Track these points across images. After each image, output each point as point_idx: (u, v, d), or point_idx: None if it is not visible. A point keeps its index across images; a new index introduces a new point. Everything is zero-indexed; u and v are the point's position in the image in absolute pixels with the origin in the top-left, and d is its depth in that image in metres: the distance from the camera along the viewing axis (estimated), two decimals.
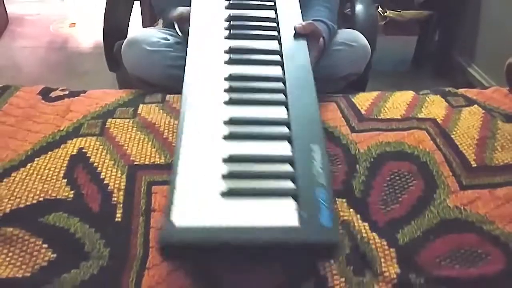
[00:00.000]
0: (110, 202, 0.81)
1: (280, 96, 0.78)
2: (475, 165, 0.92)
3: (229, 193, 0.61)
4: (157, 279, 0.70)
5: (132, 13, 1.49)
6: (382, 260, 0.74)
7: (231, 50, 0.87)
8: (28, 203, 0.80)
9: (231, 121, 0.73)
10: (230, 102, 0.76)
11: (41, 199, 0.81)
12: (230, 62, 0.85)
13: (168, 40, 1.14)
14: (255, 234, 0.58)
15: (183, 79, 0.80)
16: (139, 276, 0.70)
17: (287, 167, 0.66)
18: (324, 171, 0.64)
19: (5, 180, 0.84)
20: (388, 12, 2.21)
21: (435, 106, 1.08)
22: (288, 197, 0.61)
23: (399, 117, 1.04)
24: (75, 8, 2.91)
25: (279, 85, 0.80)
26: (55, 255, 0.73)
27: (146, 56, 1.10)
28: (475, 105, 1.09)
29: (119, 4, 1.42)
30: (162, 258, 0.68)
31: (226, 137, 0.70)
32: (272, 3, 1.01)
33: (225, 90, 0.78)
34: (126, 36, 1.29)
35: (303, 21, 0.96)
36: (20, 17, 2.89)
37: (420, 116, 1.04)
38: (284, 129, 0.72)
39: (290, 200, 0.61)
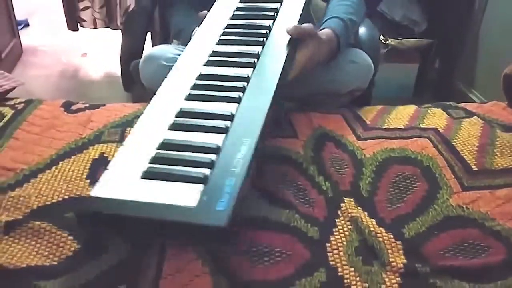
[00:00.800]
0: None
1: (237, 94, 0.88)
2: (476, 168, 0.96)
3: (147, 175, 0.71)
4: (176, 268, 0.74)
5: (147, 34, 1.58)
6: (389, 251, 0.78)
7: (213, 53, 1.01)
8: (54, 201, 0.85)
9: (181, 113, 0.84)
10: (189, 98, 0.88)
11: (66, 197, 0.86)
12: (208, 63, 0.98)
13: None
14: (151, 210, 0.65)
15: None
16: (159, 265, 0.74)
17: (210, 156, 0.73)
18: (243, 162, 0.71)
19: (32, 180, 0.89)
20: (389, 40, 2.30)
21: (436, 118, 1.13)
22: (198, 183, 0.68)
23: (402, 127, 1.10)
24: (87, 40, 3.02)
25: (242, 84, 0.90)
26: (79, 246, 0.77)
27: (162, 71, 1.16)
28: (475, 117, 1.14)
29: (135, 26, 1.51)
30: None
31: (170, 127, 0.81)
32: (273, 13, 1.10)
33: (190, 87, 0.91)
34: (141, 56, 1.37)
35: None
36: (33, 48, 2.99)
37: (422, 126, 1.10)
38: (225, 123, 0.80)
39: (199, 185, 0.68)
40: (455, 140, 1.04)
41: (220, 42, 1.04)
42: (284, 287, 0.73)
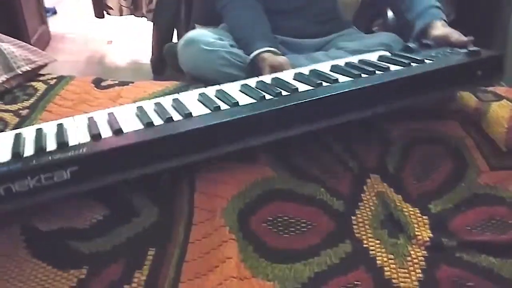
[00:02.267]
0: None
1: None
2: (505, 149, 0.95)
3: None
4: (204, 233, 0.76)
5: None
6: (415, 225, 0.78)
7: None
8: None
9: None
10: None
11: None
12: None
13: (223, 40, 1.21)
14: None
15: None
16: (187, 230, 0.76)
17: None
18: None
19: None
20: None
21: (464, 100, 1.12)
22: None
23: (429, 108, 1.09)
24: (113, 27, 3.06)
25: None
26: (109, 211, 0.79)
27: (202, 55, 1.18)
28: (504, 100, 1.13)
29: (165, 9, 1.53)
30: None
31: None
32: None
33: None
34: (171, 40, 1.39)
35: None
36: (61, 35, 3.05)
37: (450, 108, 1.09)
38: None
39: None
40: (484, 122, 1.03)
41: None
42: (309, 256, 0.74)
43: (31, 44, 2.42)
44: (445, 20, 1.16)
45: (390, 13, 1.47)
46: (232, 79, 1.03)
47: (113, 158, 0.74)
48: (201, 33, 1.24)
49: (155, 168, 0.77)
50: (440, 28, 1.15)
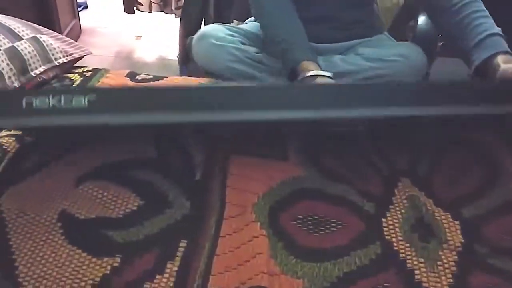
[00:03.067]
0: (191, 164, 0.89)
1: None
2: None
3: None
4: (235, 228, 0.77)
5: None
6: (447, 230, 0.78)
7: None
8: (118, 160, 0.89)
9: None
10: None
11: (130, 157, 0.90)
12: None
13: (234, 37, 1.22)
14: None
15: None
16: (218, 224, 0.77)
17: None
18: None
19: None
20: None
21: None
22: None
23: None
24: (142, 23, 3.10)
25: None
26: (143, 202, 0.81)
27: (212, 50, 1.19)
28: None
29: (194, 6, 1.56)
30: None
31: None
32: None
33: None
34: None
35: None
36: (91, 29, 3.10)
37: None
38: None
39: None
40: None
41: None
42: (339, 256, 0.74)
43: None
44: (509, 52, 1.02)
45: (421, 19, 1.45)
46: (240, 75, 1.03)
47: (128, 96, 0.75)
48: (213, 28, 1.25)
49: (165, 119, 0.75)
50: (504, 64, 1.00)
